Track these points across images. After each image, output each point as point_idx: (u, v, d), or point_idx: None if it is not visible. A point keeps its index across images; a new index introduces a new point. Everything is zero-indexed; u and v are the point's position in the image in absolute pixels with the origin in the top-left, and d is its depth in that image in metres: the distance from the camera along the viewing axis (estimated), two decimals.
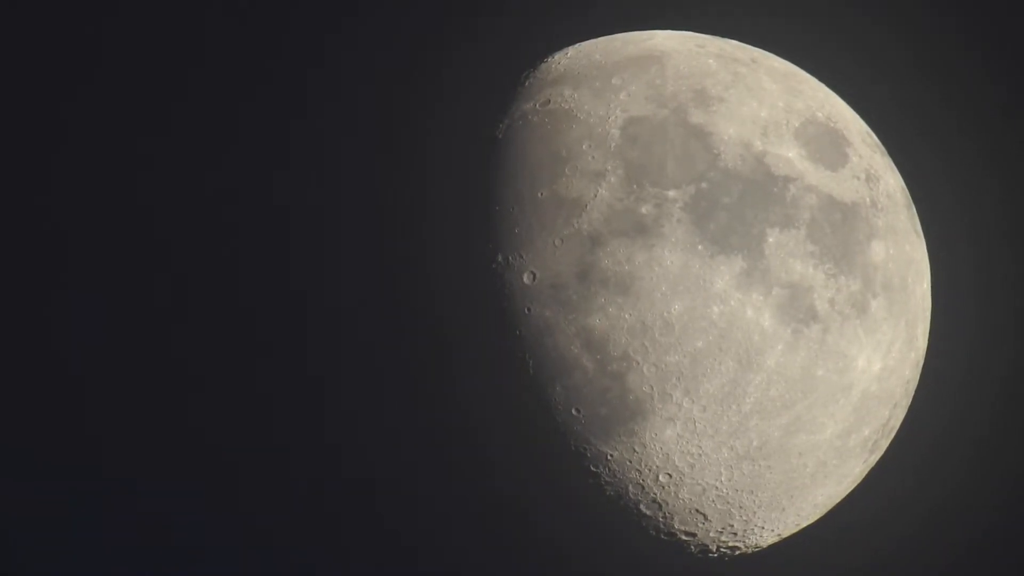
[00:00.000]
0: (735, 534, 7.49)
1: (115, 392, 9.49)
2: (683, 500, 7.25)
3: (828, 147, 7.36)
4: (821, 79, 7.91)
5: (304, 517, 9.25)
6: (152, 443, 9.44)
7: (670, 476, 7.15)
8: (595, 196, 7.00)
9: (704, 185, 7.01)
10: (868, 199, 7.36)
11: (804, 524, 7.81)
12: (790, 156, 7.20)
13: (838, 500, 7.88)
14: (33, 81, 9.84)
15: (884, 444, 7.78)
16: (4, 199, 9.64)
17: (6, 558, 9.43)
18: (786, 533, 7.75)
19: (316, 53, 9.71)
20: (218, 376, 9.32)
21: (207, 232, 9.45)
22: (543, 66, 7.68)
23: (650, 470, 7.13)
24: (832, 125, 7.49)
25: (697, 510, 7.29)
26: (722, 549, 7.59)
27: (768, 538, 7.69)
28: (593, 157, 7.08)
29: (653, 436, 7.04)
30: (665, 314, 6.91)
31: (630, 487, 7.19)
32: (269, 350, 8.78)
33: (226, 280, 9.42)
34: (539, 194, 7.06)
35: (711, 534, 7.44)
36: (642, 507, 7.27)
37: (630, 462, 7.11)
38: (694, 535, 7.42)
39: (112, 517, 9.47)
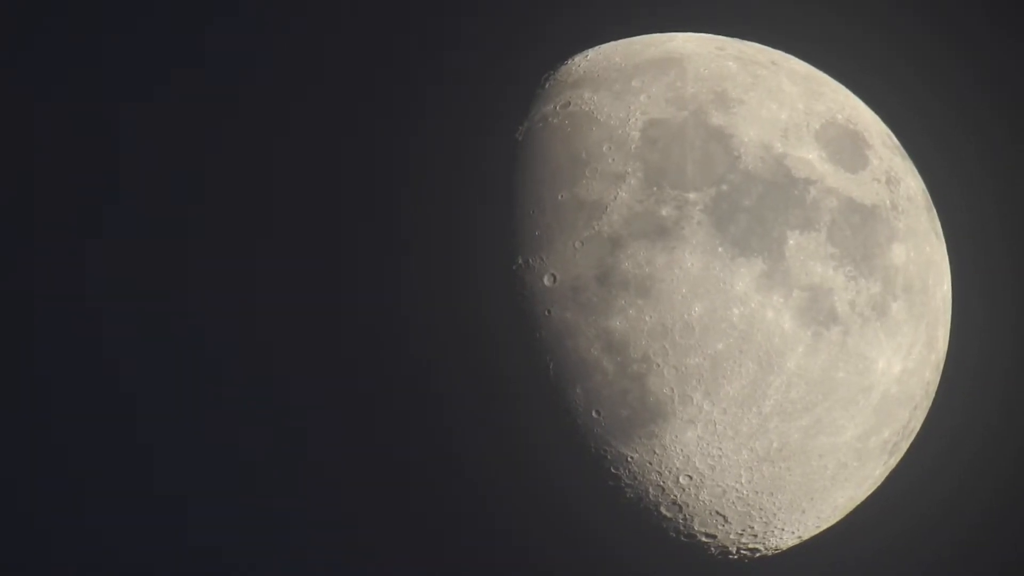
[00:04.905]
0: (755, 536, 7.64)
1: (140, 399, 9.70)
2: (703, 502, 7.38)
3: (848, 149, 7.51)
4: (841, 81, 8.04)
5: (319, 517, 9.43)
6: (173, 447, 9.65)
7: (690, 478, 7.29)
8: (615, 198, 7.14)
9: (724, 187, 7.16)
10: (888, 201, 7.51)
11: (824, 526, 7.93)
12: (810, 158, 7.35)
13: (858, 502, 8.01)
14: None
15: (904, 446, 7.90)
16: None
17: None
18: (806, 535, 7.87)
19: (333, 55, 9.85)
20: (240, 380, 9.50)
21: (222, 237, 9.65)
22: (563, 68, 7.81)
23: (670, 472, 7.27)
24: (852, 127, 7.62)
25: (717, 512, 7.43)
26: (742, 551, 7.73)
27: (788, 540, 7.82)
28: (613, 159, 7.22)
29: (673, 438, 7.19)
30: (685, 316, 7.06)
31: (650, 489, 7.33)
32: (284, 352, 8.89)
33: (235, 283, 9.61)
34: (559, 196, 7.21)
35: (731, 536, 7.58)
36: (662, 509, 7.41)
37: (650, 464, 7.25)
38: (714, 537, 7.56)
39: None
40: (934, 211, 8.00)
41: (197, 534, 9.68)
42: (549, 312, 7.19)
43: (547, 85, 7.74)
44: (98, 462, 9.67)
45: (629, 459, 7.29)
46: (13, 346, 9.75)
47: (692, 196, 7.18)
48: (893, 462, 7.97)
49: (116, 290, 9.79)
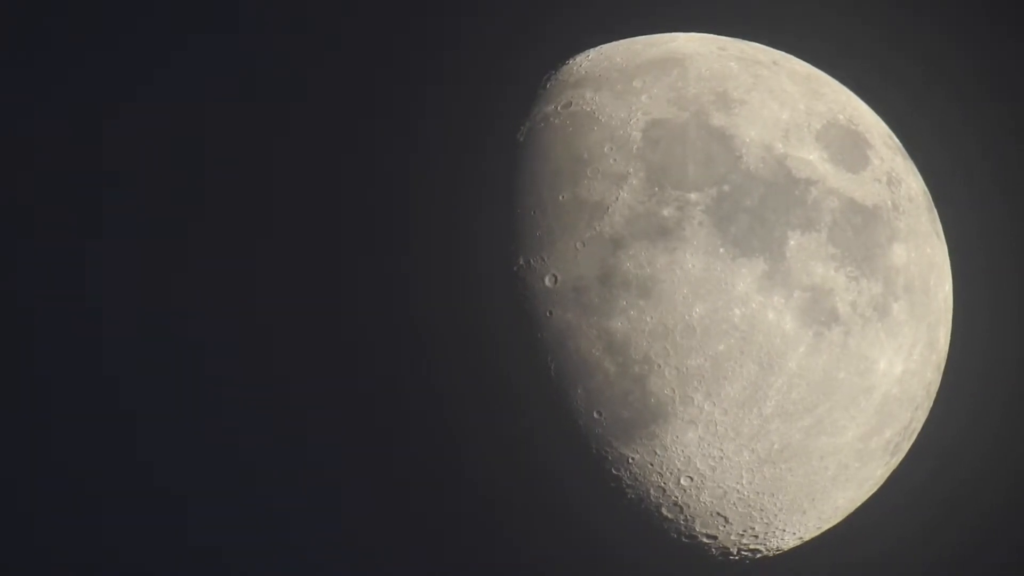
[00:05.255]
0: (756, 537, 7.64)
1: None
2: (704, 503, 7.39)
3: (849, 150, 7.51)
4: (842, 81, 8.04)
5: (319, 517, 9.44)
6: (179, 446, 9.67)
7: (691, 479, 7.30)
8: (616, 199, 7.15)
9: (726, 187, 7.17)
10: (889, 202, 7.51)
11: (825, 527, 7.95)
12: (811, 159, 7.36)
13: (859, 503, 8.02)
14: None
15: (905, 447, 7.91)
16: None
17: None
18: (807, 536, 7.88)
19: (334, 55, 9.84)
20: (240, 380, 9.50)
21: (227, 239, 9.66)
22: (564, 69, 7.82)
23: (671, 473, 7.28)
24: (853, 128, 7.63)
25: (718, 513, 7.44)
26: (743, 552, 7.73)
27: (789, 541, 7.83)
28: (615, 160, 7.23)
29: (674, 439, 7.19)
30: (687, 317, 7.06)
31: (651, 490, 7.34)
32: (284, 352, 8.90)
33: (235, 283, 9.61)
34: (560, 197, 7.22)
35: (732, 537, 7.59)
36: (663, 510, 7.42)
37: (651, 465, 7.26)
38: (715, 538, 7.57)
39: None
40: (935, 211, 8.02)
41: (197, 534, 9.69)
42: (550, 313, 7.20)
43: (548, 85, 7.75)
44: (98, 462, 9.67)
45: (630, 460, 7.30)
46: (13, 346, 9.75)
47: (693, 196, 7.18)
48: (894, 463, 7.98)
49: (116, 290, 9.79)
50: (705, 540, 7.61)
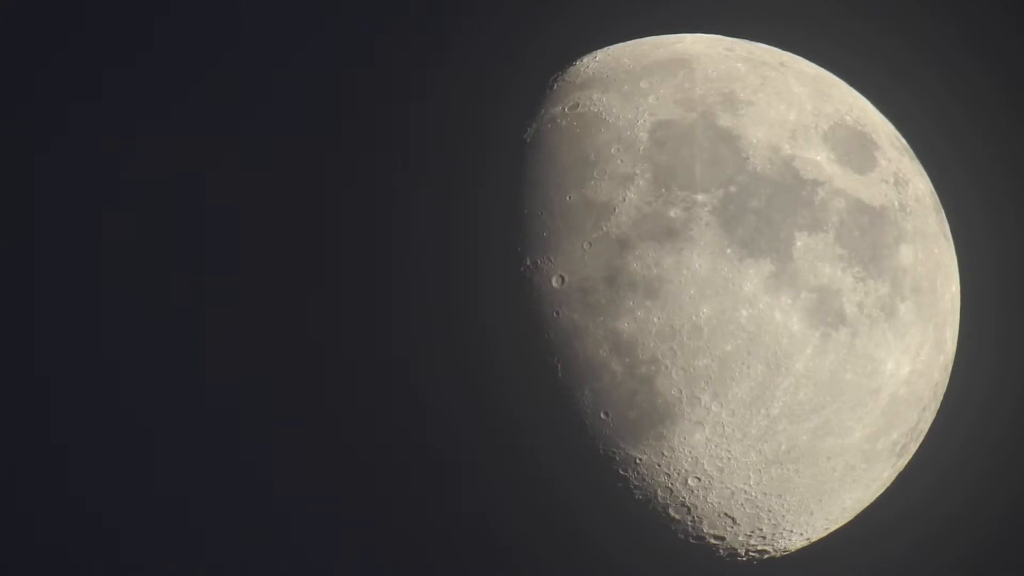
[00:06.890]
0: (764, 538, 7.65)
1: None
2: (712, 504, 7.40)
3: (857, 151, 7.52)
4: (850, 83, 8.05)
5: (319, 517, 9.44)
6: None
7: (699, 480, 7.30)
8: (623, 200, 7.15)
9: (732, 188, 7.17)
10: (897, 202, 7.52)
11: (833, 528, 7.95)
12: (819, 159, 7.37)
13: (867, 504, 8.02)
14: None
15: (913, 448, 7.92)
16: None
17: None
18: (815, 537, 7.89)
19: (341, 57, 9.88)
20: (239, 380, 9.51)
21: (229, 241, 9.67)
22: (571, 70, 7.83)
23: (679, 474, 7.29)
24: (861, 128, 7.63)
25: (726, 514, 7.45)
26: (751, 553, 7.74)
27: (797, 542, 7.83)
28: (621, 161, 7.23)
29: (682, 440, 7.20)
30: (694, 318, 7.07)
31: (659, 491, 7.35)
32: (284, 352, 8.91)
33: (235, 284, 9.62)
34: (567, 198, 7.22)
35: (740, 538, 7.60)
36: (671, 511, 7.42)
37: (659, 466, 7.26)
38: (723, 539, 7.58)
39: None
40: (942, 212, 8.02)
41: (196, 533, 9.68)
42: (557, 313, 7.20)
43: (556, 86, 7.75)
44: (98, 462, 9.67)
45: (637, 461, 7.30)
46: (13, 346, 9.74)
47: (700, 197, 7.19)
48: (901, 464, 7.98)
49: (116, 290, 9.79)
50: (712, 541, 7.61)
